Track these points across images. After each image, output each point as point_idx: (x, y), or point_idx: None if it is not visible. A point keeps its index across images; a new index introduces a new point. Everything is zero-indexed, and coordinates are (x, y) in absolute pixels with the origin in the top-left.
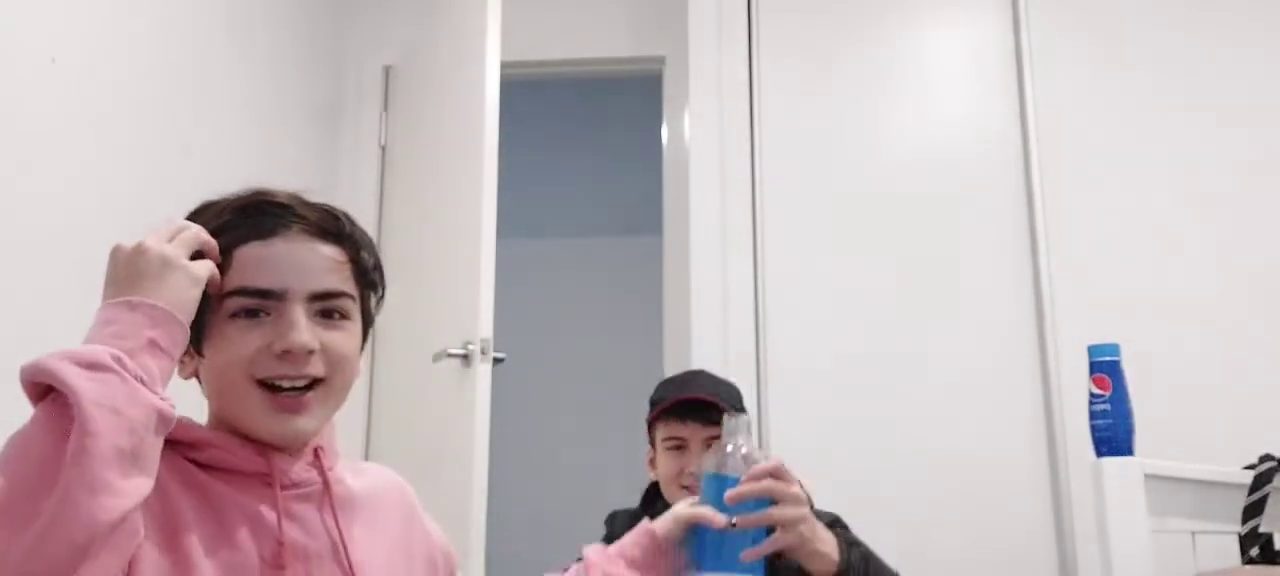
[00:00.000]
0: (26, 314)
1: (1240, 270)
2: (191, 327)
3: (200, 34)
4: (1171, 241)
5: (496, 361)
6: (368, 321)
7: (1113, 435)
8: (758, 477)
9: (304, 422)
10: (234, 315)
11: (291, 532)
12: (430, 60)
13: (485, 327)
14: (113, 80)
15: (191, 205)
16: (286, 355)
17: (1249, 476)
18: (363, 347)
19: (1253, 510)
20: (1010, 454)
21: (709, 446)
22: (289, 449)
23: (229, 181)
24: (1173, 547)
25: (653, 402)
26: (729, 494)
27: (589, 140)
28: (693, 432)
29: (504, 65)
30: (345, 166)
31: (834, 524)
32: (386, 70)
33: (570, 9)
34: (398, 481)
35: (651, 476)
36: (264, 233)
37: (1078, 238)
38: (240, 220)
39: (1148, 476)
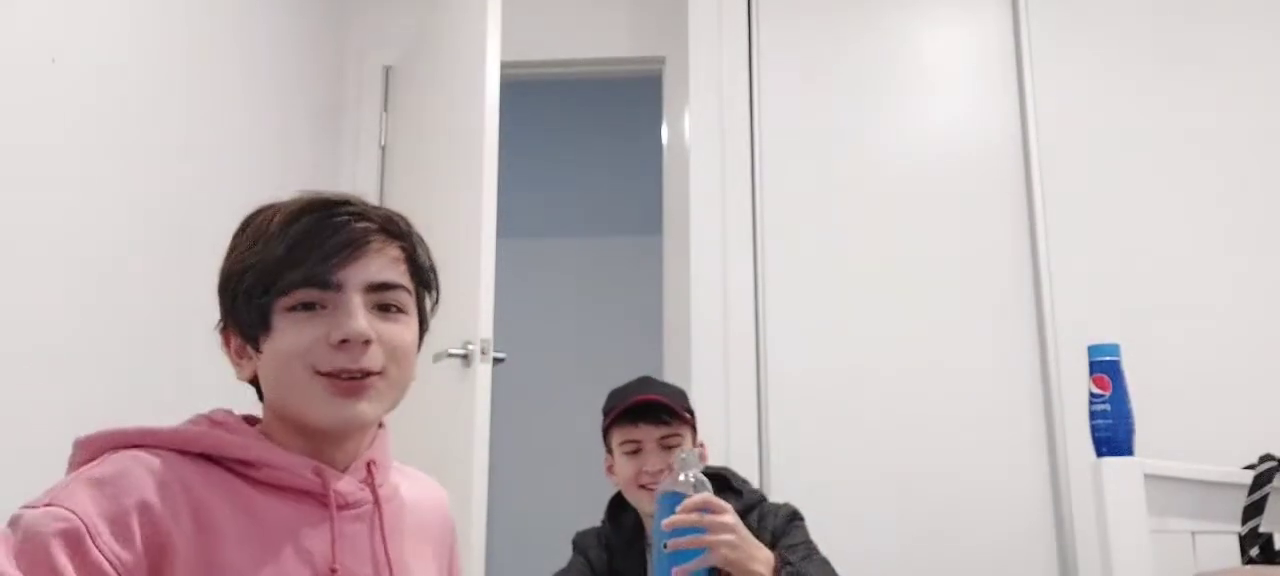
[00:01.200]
0: (26, 314)
1: (1240, 270)
2: (249, 326)
3: (200, 34)
4: (1171, 241)
5: (496, 361)
6: (423, 324)
7: (1113, 435)
8: (689, 510)
9: (364, 408)
10: (292, 309)
11: (343, 557)
12: (430, 60)
13: (485, 328)
14: (113, 80)
15: (191, 205)
16: (344, 345)
17: (1249, 476)
18: (419, 348)
19: (1253, 510)
20: (1010, 453)
21: (662, 445)
22: (347, 438)
23: (229, 181)
24: (1173, 547)
25: (605, 411)
26: (665, 522)
27: (589, 140)
28: (646, 434)
29: (504, 65)
30: (345, 166)
31: (793, 517)
32: (386, 70)
33: (570, 9)
34: (444, 504)
35: (612, 482)
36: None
37: (1078, 238)
38: (299, 216)
39: (1148, 476)
